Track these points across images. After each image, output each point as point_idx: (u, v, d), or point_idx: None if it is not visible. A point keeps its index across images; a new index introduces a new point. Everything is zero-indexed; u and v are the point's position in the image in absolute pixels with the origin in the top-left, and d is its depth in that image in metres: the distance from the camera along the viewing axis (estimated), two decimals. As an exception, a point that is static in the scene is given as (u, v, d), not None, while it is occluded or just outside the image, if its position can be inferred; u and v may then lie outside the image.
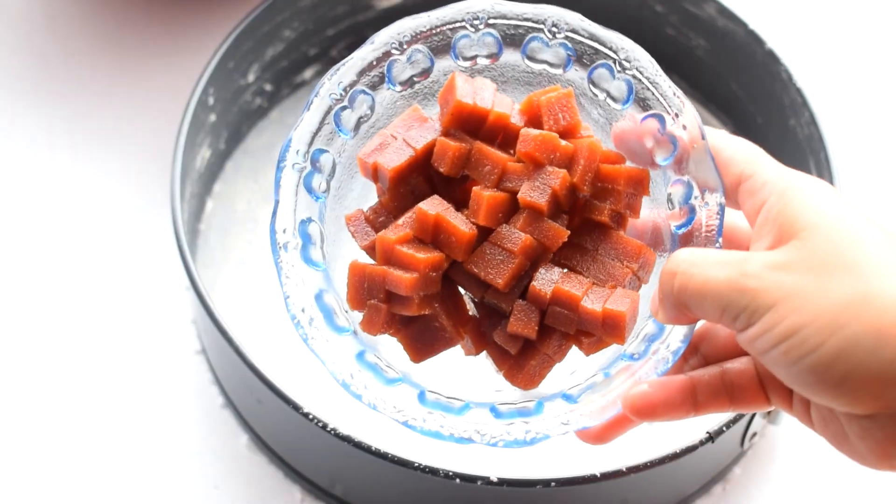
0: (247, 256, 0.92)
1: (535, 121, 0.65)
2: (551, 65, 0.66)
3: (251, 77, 0.94)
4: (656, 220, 0.65)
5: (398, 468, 0.74)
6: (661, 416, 0.61)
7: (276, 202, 0.63)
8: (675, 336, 0.62)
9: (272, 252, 0.63)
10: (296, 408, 0.76)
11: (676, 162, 0.64)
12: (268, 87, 0.96)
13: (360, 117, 0.65)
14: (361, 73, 0.65)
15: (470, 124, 0.64)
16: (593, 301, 0.62)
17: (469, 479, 0.74)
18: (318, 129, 0.64)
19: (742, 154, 0.61)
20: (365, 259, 0.64)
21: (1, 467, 0.84)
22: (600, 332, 0.62)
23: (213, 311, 0.78)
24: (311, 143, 0.64)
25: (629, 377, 0.62)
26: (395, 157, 0.63)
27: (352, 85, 0.65)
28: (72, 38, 1.01)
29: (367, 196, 0.67)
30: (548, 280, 0.62)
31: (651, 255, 0.64)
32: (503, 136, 0.65)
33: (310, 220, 0.64)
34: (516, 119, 0.65)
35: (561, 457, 0.84)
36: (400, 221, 0.63)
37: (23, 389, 0.87)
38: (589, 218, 0.64)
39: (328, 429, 0.75)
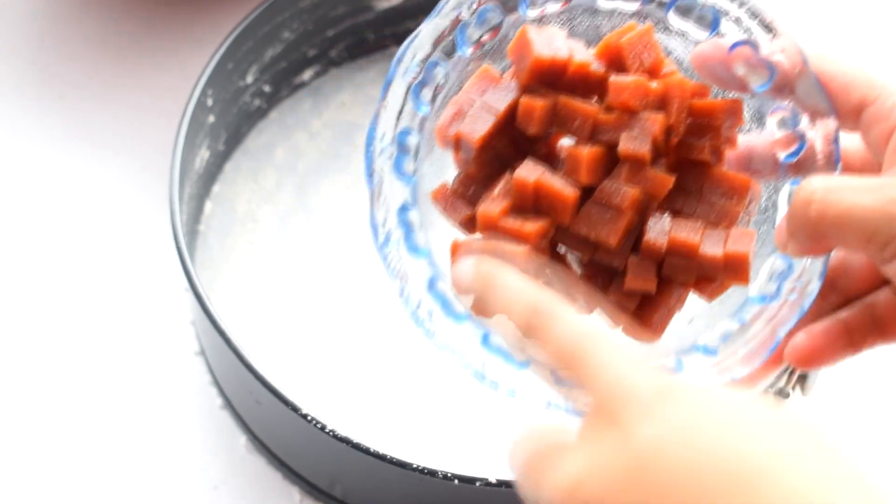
0: (246, 257, 0.92)
1: (615, 64, 0.62)
2: (625, 0, 0.64)
3: (250, 78, 0.94)
4: (749, 147, 0.63)
5: (397, 469, 0.74)
6: (825, 362, 0.59)
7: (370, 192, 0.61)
8: (810, 273, 0.60)
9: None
10: (295, 409, 0.76)
11: (777, 88, 0.61)
12: (267, 89, 0.96)
13: (436, 89, 0.62)
14: (436, 42, 0.62)
15: (550, 77, 0.61)
16: (712, 245, 0.60)
17: (468, 480, 0.74)
18: (400, 111, 0.61)
19: (859, 77, 0.59)
20: (461, 236, 0.62)
21: (0, 468, 0.84)
22: (722, 276, 0.60)
23: (212, 312, 0.78)
24: (395, 127, 0.61)
25: (768, 321, 0.60)
26: (477, 125, 0.60)
27: (426, 58, 0.62)
28: (70, 38, 1.01)
29: (442, 174, 0.64)
30: (660, 230, 0.60)
31: (757, 188, 0.62)
32: (584, 84, 0.62)
33: (406, 206, 0.61)
34: (595, 65, 0.62)
35: (560, 458, 0.84)
36: (495, 192, 0.60)
37: (21, 390, 0.87)
38: (687, 157, 0.62)
39: (327, 430, 0.75)
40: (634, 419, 0.47)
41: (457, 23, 0.62)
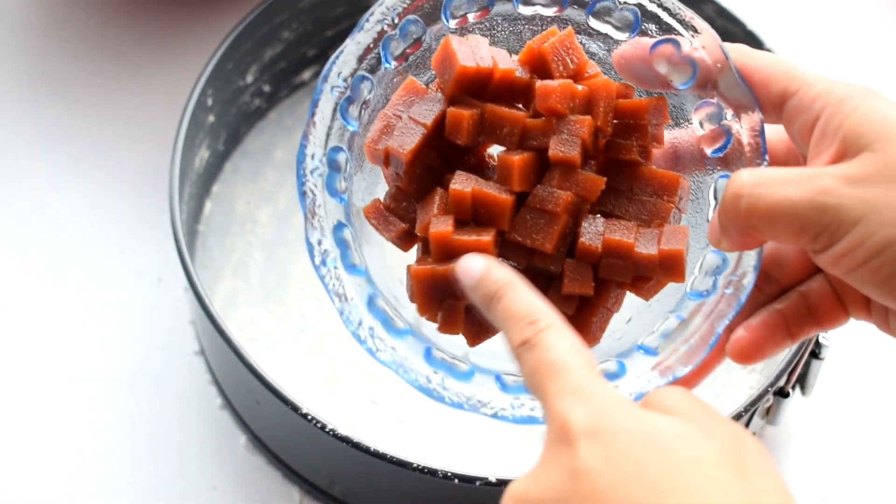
0: (246, 257, 0.92)
1: (539, 69, 0.62)
2: (544, 6, 0.64)
3: (250, 78, 0.94)
4: (674, 143, 0.63)
5: (397, 469, 0.74)
6: (766, 354, 0.60)
7: (303, 204, 0.61)
8: (744, 266, 0.60)
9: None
10: (294, 408, 0.76)
11: (699, 85, 0.61)
12: (266, 89, 0.96)
13: (363, 104, 0.62)
14: (360, 58, 0.62)
15: (475, 86, 0.61)
16: (646, 245, 0.60)
17: (468, 479, 0.74)
18: (329, 128, 0.62)
19: (780, 69, 0.59)
20: (393, 250, 0.62)
21: (0, 468, 0.84)
22: (659, 274, 0.60)
23: (212, 311, 0.78)
24: (325, 145, 0.61)
25: (706, 316, 0.60)
26: (406, 139, 0.61)
27: (352, 74, 0.62)
28: (70, 39, 1.01)
29: (373, 189, 0.64)
30: (594, 232, 0.60)
31: (686, 183, 0.62)
32: (509, 91, 0.62)
33: (341, 225, 0.61)
34: (520, 71, 0.62)
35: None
36: (434, 209, 0.60)
37: (21, 390, 0.87)
38: (616, 157, 0.62)
39: (327, 429, 0.75)
40: (572, 450, 0.50)
41: (380, 37, 0.62)
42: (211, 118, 0.90)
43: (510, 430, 0.85)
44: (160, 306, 0.90)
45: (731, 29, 0.93)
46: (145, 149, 0.96)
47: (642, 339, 0.62)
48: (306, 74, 0.98)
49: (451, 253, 0.59)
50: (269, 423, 0.82)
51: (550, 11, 0.64)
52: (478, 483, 0.74)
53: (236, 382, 0.83)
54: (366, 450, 0.74)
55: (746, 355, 0.60)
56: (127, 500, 0.84)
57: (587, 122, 0.60)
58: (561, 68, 0.62)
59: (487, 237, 0.59)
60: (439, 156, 0.62)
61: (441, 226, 0.59)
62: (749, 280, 0.60)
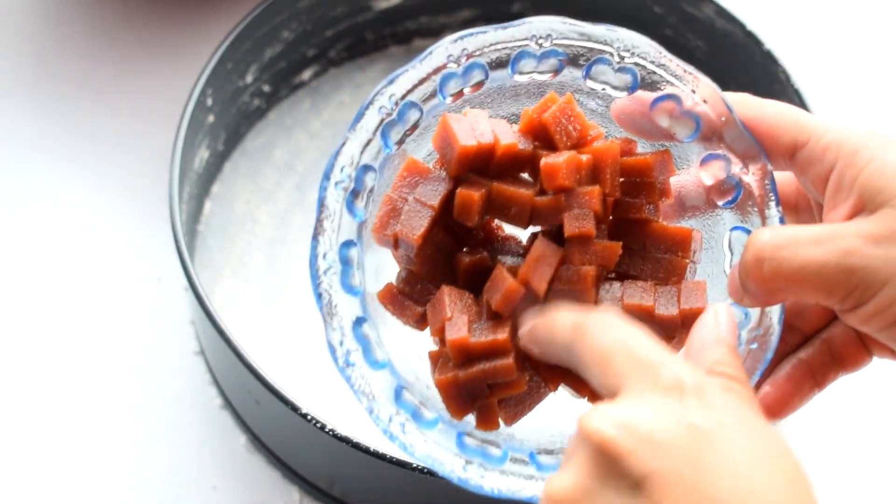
0: (245, 257, 0.92)
1: (541, 138, 0.62)
2: (540, 73, 0.64)
3: (249, 78, 0.94)
4: (680, 189, 0.63)
5: (397, 469, 0.74)
6: (794, 409, 0.60)
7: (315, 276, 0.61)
8: (769, 320, 0.59)
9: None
10: (294, 408, 0.76)
11: (704, 138, 0.61)
12: (266, 89, 0.96)
13: (368, 193, 0.62)
14: (362, 150, 0.62)
15: (478, 164, 0.61)
16: (666, 305, 0.60)
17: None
18: (338, 225, 0.61)
19: (788, 120, 0.58)
20: (409, 331, 0.62)
21: (0, 467, 0.84)
22: (681, 333, 0.60)
23: (212, 311, 0.78)
24: (336, 242, 0.61)
25: None
26: (414, 223, 0.60)
27: (355, 165, 0.62)
28: (69, 38, 1.01)
29: (382, 269, 0.64)
30: (613, 299, 0.60)
31: (698, 235, 0.62)
32: (513, 164, 0.62)
33: (360, 320, 0.61)
34: (522, 143, 0.61)
35: (559, 457, 0.84)
36: (447, 311, 0.60)
37: (21, 390, 0.87)
38: (626, 216, 0.62)
39: (327, 429, 0.75)
40: (685, 403, 0.50)
41: (380, 124, 0.62)
42: (211, 118, 0.90)
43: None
44: (160, 306, 0.90)
45: (731, 29, 0.93)
46: (145, 149, 0.96)
47: None
48: (306, 74, 0.98)
49: (471, 356, 0.59)
50: (268, 423, 0.82)
51: (546, 77, 0.64)
52: (478, 483, 0.74)
53: (236, 382, 0.83)
54: (366, 450, 0.74)
55: (775, 412, 0.60)
56: (127, 500, 0.84)
57: (596, 192, 0.60)
58: (564, 138, 0.61)
59: (503, 335, 0.59)
60: (448, 234, 0.62)
61: (456, 332, 0.59)
62: (774, 337, 0.60)
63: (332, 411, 0.85)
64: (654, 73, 0.62)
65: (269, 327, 0.89)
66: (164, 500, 0.84)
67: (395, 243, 0.61)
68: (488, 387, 0.60)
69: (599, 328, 0.53)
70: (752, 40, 0.92)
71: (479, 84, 0.63)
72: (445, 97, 0.63)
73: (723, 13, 0.94)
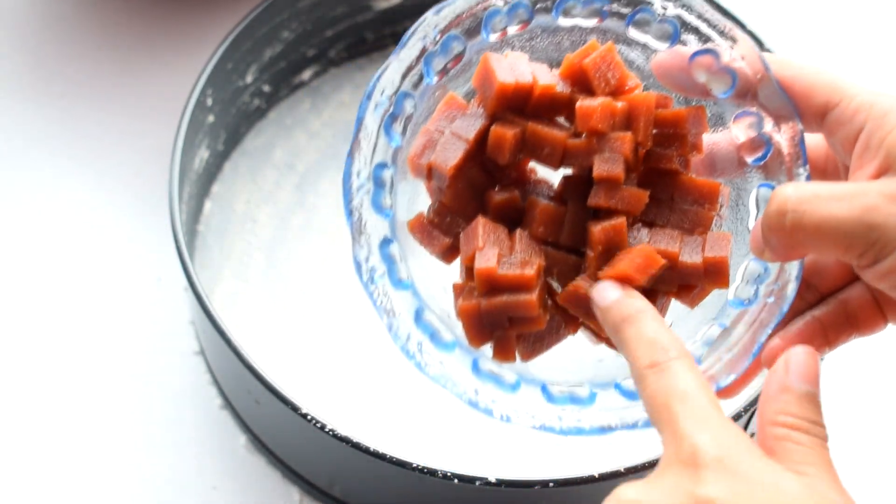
0: (245, 257, 0.92)
1: (580, 84, 0.62)
2: (584, 17, 0.64)
3: (249, 78, 0.94)
4: (712, 148, 0.64)
5: (397, 469, 0.74)
6: None
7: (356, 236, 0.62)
8: (787, 275, 0.60)
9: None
10: (294, 408, 0.76)
11: (739, 95, 0.62)
12: (266, 89, 0.96)
13: (406, 119, 0.63)
14: (404, 75, 0.63)
15: (515, 102, 0.62)
16: (691, 253, 0.61)
17: (467, 479, 0.74)
18: (374, 146, 0.62)
19: (822, 81, 0.59)
20: (435, 265, 0.63)
21: (0, 467, 0.84)
22: (703, 282, 0.61)
23: (212, 311, 0.78)
24: (370, 163, 0.62)
25: (748, 325, 0.61)
26: (449, 154, 0.61)
27: (395, 91, 0.62)
28: (69, 38, 1.01)
29: (415, 200, 0.65)
30: (639, 243, 0.61)
31: (726, 190, 0.63)
32: (550, 106, 0.62)
33: (387, 240, 0.62)
34: (560, 86, 0.62)
35: (559, 457, 0.84)
36: (479, 241, 0.61)
37: (21, 390, 0.87)
38: (656, 167, 0.63)
39: (327, 429, 0.75)
40: (698, 477, 0.51)
41: (422, 53, 0.63)
42: (210, 118, 0.90)
43: (510, 430, 0.85)
44: (160, 306, 0.90)
45: (731, 29, 0.93)
46: (145, 149, 0.96)
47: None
48: (306, 74, 0.98)
49: (495, 287, 0.60)
50: (268, 423, 0.82)
51: (590, 23, 0.64)
52: (478, 483, 0.74)
53: (236, 382, 0.83)
54: (366, 450, 0.74)
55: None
56: (127, 500, 0.84)
57: (628, 138, 0.61)
58: (602, 84, 0.62)
59: (531, 271, 0.60)
60: (481, 171, 0.63)
61: (486, 262, 0.60)
62: (791, 290, 0.60)
63: (332, 411, 0.85)
64: (696, 27, 0.63)
65: (269, 327, 0.89)
66: (164, 500, 0.84)
67: (429, 174, 0.62)
68: (509, 320, 0.60)
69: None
70: (753, 40, 0.92)
71: (524, 24, 0.64)
72: (489, 34, 0.64)
73: (723, 13, 0.94)
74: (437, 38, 0.63)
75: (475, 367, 0.61)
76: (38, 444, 0.85)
